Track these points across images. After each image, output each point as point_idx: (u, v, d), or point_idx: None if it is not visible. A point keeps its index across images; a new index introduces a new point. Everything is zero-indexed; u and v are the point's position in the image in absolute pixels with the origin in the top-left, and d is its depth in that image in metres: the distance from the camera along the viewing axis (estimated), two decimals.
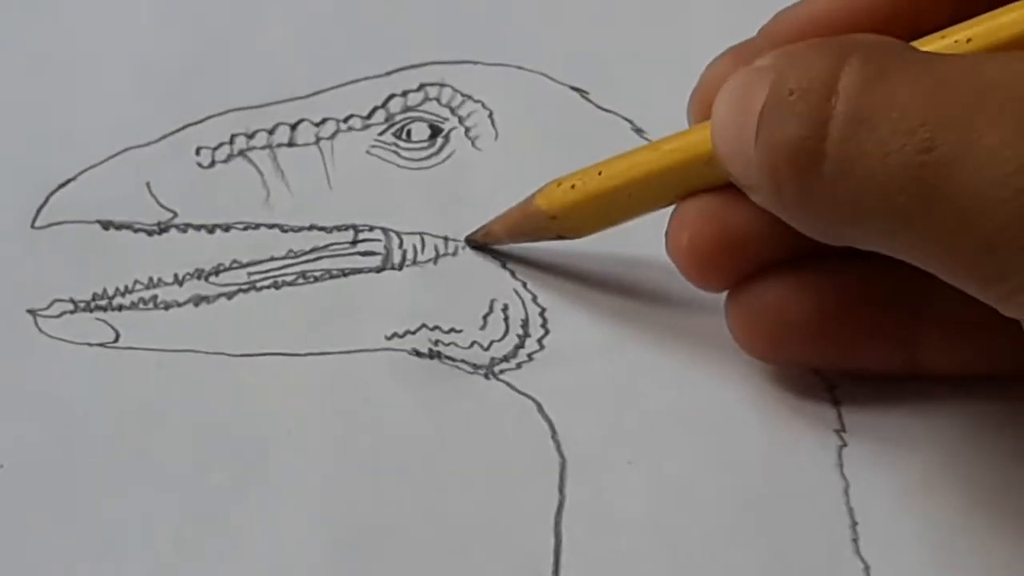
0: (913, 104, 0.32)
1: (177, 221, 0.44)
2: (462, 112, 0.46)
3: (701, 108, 0.40)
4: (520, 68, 0.48)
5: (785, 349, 0.39)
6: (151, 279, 0.43)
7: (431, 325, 0.42)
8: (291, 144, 0.46)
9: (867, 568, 0.37)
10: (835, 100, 0.32)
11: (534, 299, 0.42)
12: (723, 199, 0.38)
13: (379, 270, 0.43)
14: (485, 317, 0.42)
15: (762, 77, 0.34)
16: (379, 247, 0.43)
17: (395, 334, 0.42)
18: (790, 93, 0.33)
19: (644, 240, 0.41)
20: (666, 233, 0.39)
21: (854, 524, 0.38)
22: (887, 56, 0.33)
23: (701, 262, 0.38)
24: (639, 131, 0.46)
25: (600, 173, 0.40)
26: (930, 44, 0.35)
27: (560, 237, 0.41)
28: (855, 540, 0.37)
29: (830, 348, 0.39)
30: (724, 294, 0.39)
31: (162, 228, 0.44)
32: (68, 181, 0.45)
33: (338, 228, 0.44)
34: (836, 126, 0.32)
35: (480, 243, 0.43)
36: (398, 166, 0.45)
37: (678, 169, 0.38)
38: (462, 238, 0.43)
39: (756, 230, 0.38)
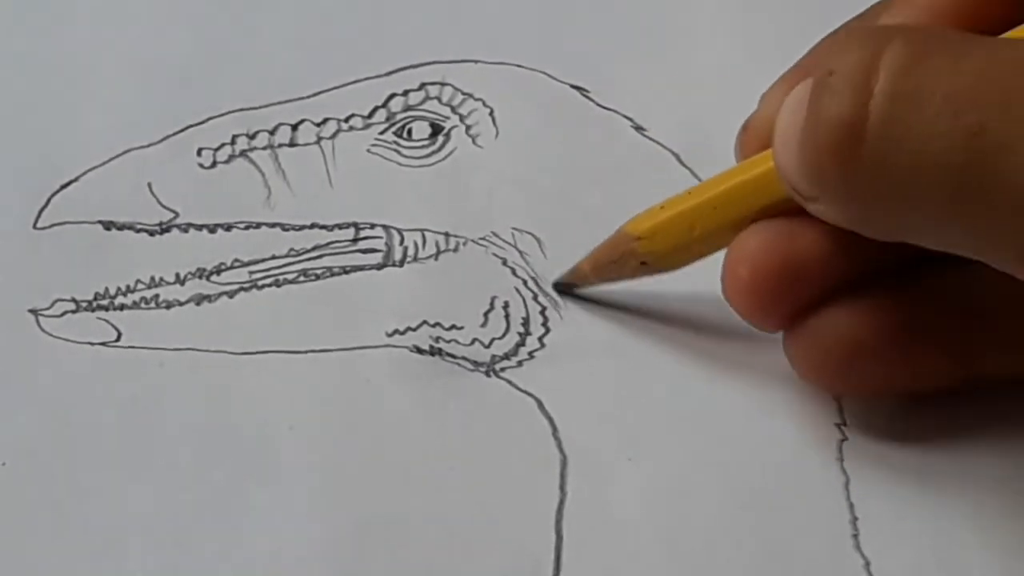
0: (959, 85, 0.30)
1: (179, 221, 0.44)
2: (463, 110, 0.46)
3: (755, 136, 0.39)
4: (520, 66, 0.48)
5: (853, 378, 0.38)
6: (153, 278, 0.43)
7: (432, 322, 0.42)
8: (292, 144, 0.46)
9: (867, 563, 0.37)
10: (875, 80, 0.31)
11: (535, 297, 0.42)
12: (781, 226, 0.37)
13: (380, 267, 0.43)
14: (486, 314, 0.42)
15: (806, 90, 0.33)
16: (380, 244, 0.43)
17: (396, 331, 0.42)
18: (830, 74, 0.32)
19: None
20: (721, 275, 0.38)
21: (854, 519, 0.38)
22: (930, 38, 0.32)
23: (763, 296, 0.37)
24: (639, 128, 0.46)
25: (689, 193, 0.39)
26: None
27: (646, 266, 0.40)
28: (855, 535, 0.37)
29: (896, 371, 0.38)
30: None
31: (164, 228, 0.44)
32: (70, 182, 0.45)
33: (339, 226, 0.44)
34: (877, 105, 0.31)
35: (567, 286, 0.42)
36: (399, 164, 0.45)
37: (755, 183, 0.37)
38: (462, 233, 0.44)
39: (816, 256, 0.37)
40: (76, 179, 0.45)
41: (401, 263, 0.43)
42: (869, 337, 0.37)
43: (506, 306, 0.42)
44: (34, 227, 0.44)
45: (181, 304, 0.43)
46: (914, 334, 0.37)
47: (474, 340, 0.41)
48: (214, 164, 0.45)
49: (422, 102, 0.47)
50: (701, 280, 0.40)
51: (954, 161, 0.30)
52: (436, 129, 0.46)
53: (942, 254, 0.34)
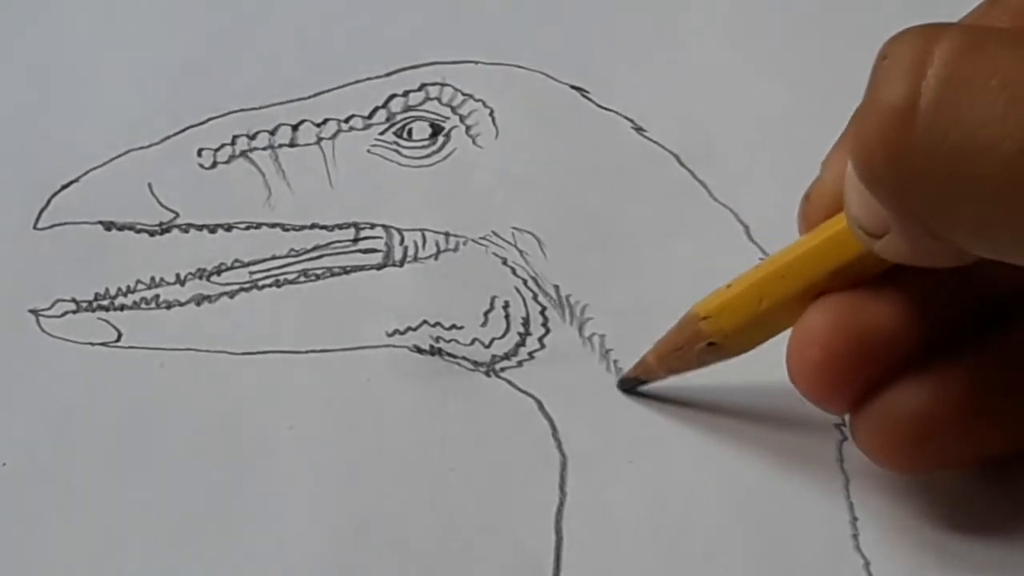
0: (1017, 71, 0.29)
1: (179, 221, 0.44)
2: (463, 111, 0.46)
3: (819, 205, 0.37)
4: (520, 67, 0.48)
5: (926, 455, 0.36)
6: (153, 279, 0.43)
7: (432, 322, 0.42)
8: (293, 144, 0.46)
9: (867, 563, 0.37)
10: (929, 64, 0.30)
11: (535, 297, 0.42)
12: (847, 301, 0.35)
13: (380, 267, 0.43)
14: (486, 314, 0.42)
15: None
16: (380, 244, 0.43)
17: (396, 331, 0.42)
18: (884, 58, 0.31)
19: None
20: (787, 359, 0.36)
21: (854, 519, 0.38)
22: (987, 29, 0.31)
23: (832, 378, 0.35)
24: (639, 129, 0.46)
25: (755, 269, 0.38)
26: None
27: (714, 348, 0.38)
28: (855, 535, 0.37)
29: (969, 443, 0.36)
30: None
31: (164, 228, 0.44)
32: (70, 182, 0.45)
33: (339, 226, 0.44)
34: (929, 88, 0.30)
35: (633, 383, 0.40)
36: (399, 165, 0.45)
37: (821, 250, 0.36)
38: (462, 233, 0.44)
39: (885, 330, 0.35)
40: (77, 180, 0.45)
41: (401, 263, 0.43)
42: (942, 413, 0.35)
43: (506, 306, 0.42)
44: (35, 227, 0.44)
45: (181, 304, 0.43)
46: (986, 403, 0.35)
47: (474, 340, 0.41)
48: (214, 164, 0.46)
49: (422, 102, 0.47)
50: (704, 283, 0.40)
51: (1008, 148, 0.29)
52: (436, 129, 0.46)
53: (1005, 312, 0.33)
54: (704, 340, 0.38)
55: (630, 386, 0.40)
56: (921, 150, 0.30)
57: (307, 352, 0.41)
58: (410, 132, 0.46)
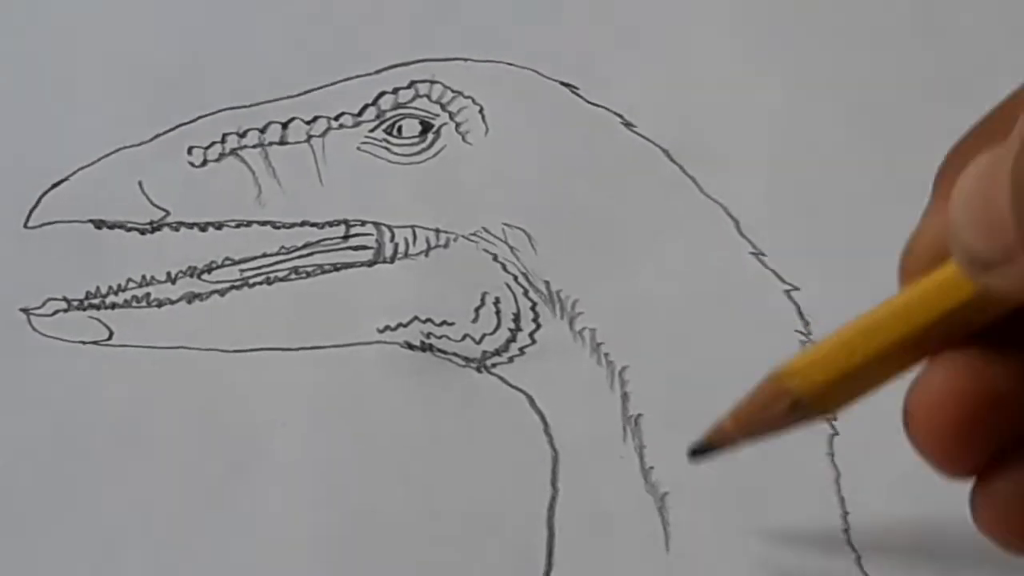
0: None
1: (169, 219, 0.44)
2: (452, 108, 0.46)
3: (920, 256, 0.34)
4: (510, 64, 0.48)
5: None
6: (144, 277, 0.43)
7: (423, 318, 0.42)
8: (283, 142, 0.46)
9: (859, 557, 0.37)
10: None
11: (525, 293, 0.42)
12: (967, 360, 0.31)
13: (371, 264, 0.43)
14: (477, 310, 0.42)
15: (1008, 148, 0.28)
16: (371, 241, 0.43)
17: (387, 327, 0.42)
18: None
19: None
20: (904, 421, 0.33)
21: (845, 513, 0.38)
22: None
23: (955, 442, 0.31)
24: (629, 125, 0.46)
25: (845, 325, 0.34)
26: None
27: (799, 409, 0.33)
28: (846, 529, 0.38)
29: None
30: None
31: (154, 227, 0.44)
32: (61, 181, 0.45)
33: (330, 224, 0.44)
34: None
35: (706, 450, 0.36)
36: (389, 162, 0.45)
37: (921, 300, 0.32)
38: (452, 229, 0.44)
39: (1011, 390, 0.31)
40: (67, 178, 0.45)
41: (392, 260, 0.43)
42: None
43: (497, 302, 0.42)
44: (25, 226, 0.44)
45: (173, 302, 0.43)
46: None
47: (465, 336, 0.42)
48: (205, 162, 0.45)
49: (412, 100, 0.47)
50: (695, 278, 0.40)
51: None
52: (426, 127, 0.46)
53: None
54: (790, 399, 0.33)
55: (702, 453, 0.35)
56: None
57: (298, 349, 0.41)
58: (400, 129, 0.46)
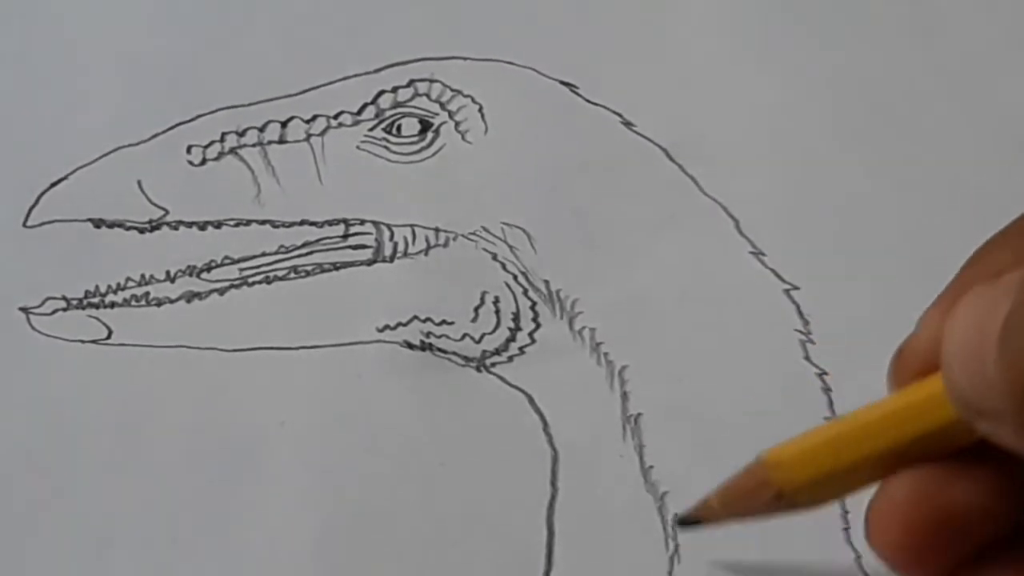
0: None
1: (169, 219, 0.44)
2: (452, 107, 0.46)
3: (912, 362, 0.34)
4: (509, 63, 0.48)
5: None
6: (143, 276, 0.43)
7: (423, 317, 0.42)
8: (282, 141, 0.46)
9: (859, 556, 0.37)
10: None
11: (525, 292, 0.42)
12: (933, 473, 0.32)
13: (370, 263, 0.43)
14: (476, 309, 0.42)
15: (1007, 290, 0.28)
16: (370, 240, 0.43)
17: (387, 326, 0.42)
18: None
19: None
20: (867, 530, 0.33)
21: (845, 513, 0.38)
22: None
23: (915, 552, 0.31)
24: (628, 124, 0.46)
25: (836, 421, 0.34)
26: None
27: (782, 499, 0.34)
28: (846, 529, 0.38)
29: None
30: None
31: (154, 226, 0.44)
32: (60, 180, 0.45)
33: (329, 223, 0.44)
34: None
35: (691, 521, 0.36)
36: (388, 161, 0.45)
37: (911, 411, 0.33)
38: (451, 228, 0.44)
39: (974, 505, 0.31)
40: (66, 177, 0.45)
41: (391, 259, 0.43)
42: None
43: (496, 301, 0.42)
44: (24, 225, 0.44)
45: (172, 301, 0.43)
46: None
47: (464, 335, 0.42)
48: (204, 162, 0.45)
49: (411, 99, 0.47)
50: (694, 277, 0.40)
51: None
52: (425, 126, 0.46)
53: None
54: (773, 489, 0.34)
55: (688, 525, 0.36)
56: None
57: (298, 348, 0.41)
58: (399, 128, 0.46)
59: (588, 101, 0.47)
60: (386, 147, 0.46)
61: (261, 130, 0.46)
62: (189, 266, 0.43)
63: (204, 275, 0.43)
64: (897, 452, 0.33)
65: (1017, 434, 0.28)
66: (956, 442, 0.32)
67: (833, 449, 0.33)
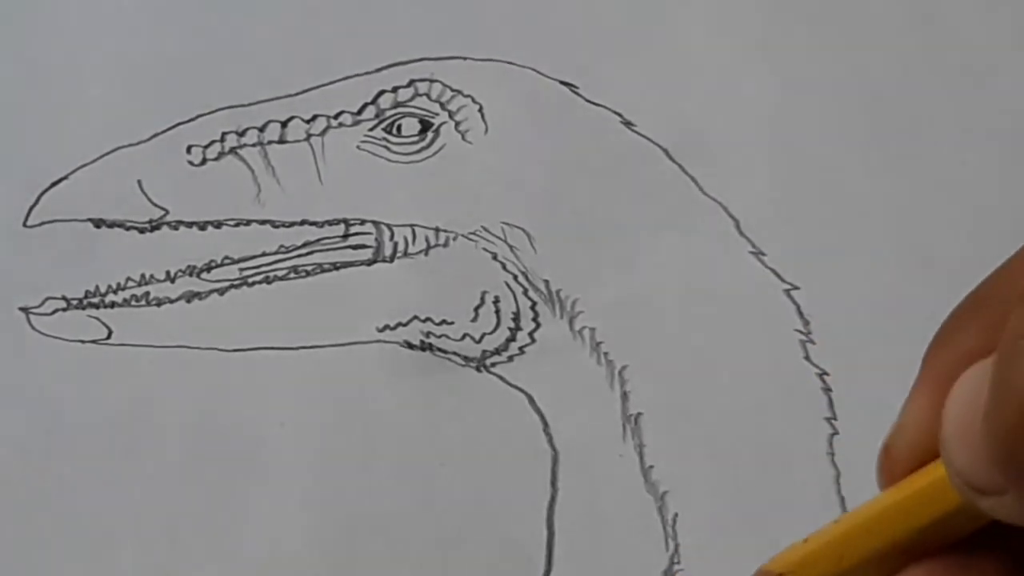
0: None
1: (169, 218, 0.44)
2: (452, 107, 0.46)
3: (901, 456, 0.32)
4: (509, 63, 0.48)
5: None
6: (143, 276, 0.43)
7: (423, 317, 0.42)
8: (282, 141, 0.46)
9: None
10: None
11: (525, 292, 0.42)
12: (944, 567, 0.30)
13: (370, 263, 0.43)
14: (476, 309, 0.42)
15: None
16: (370, 240, 0.43)
17: (387, 326, 0.42)
18: (1020, 337, 0.26)
19: None
20: None
21: (845, 512, 0.38)
22: None
23: None
24: (628, 124, 0.46)
25: (835, 523, 0.32)
26: None
27: None
28: None
29: None
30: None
31: (154, 226, 0.44)
32: (60, 180, 0.45)
33: (329, 223, 0.44)
34: None
35: None
36: (388, 160, 0.45)
37: (909, 504, 0.31)
38: (451, 228, 0.44)
39: None
40: (66, 177, 0.45)
41: (391, 259, 0.43)
42: None
43: (496, 301, 0.42)
44: (24, 225, 0.44)
45: (172, 301, 0.43)
46: None
47: (464, 335, 0.42)
48: (204, 161, 0.45)
49: (411, 99, 0.47)
50: (694, 277, 0.40)
51: None
52: (425, 125, 0.46)
53: None
54: None
55: None
56: None
57: (298, 348, 0.41)
58: (399, 128, 0.46)
59: (588, 101, 0.47)
60: (386, 147, 0.46)
61: (261, 130, 0.46)
62: (189, 266, 0.43)
63: (204, 275, 0.43)
64: (901, 547, 0.31)
65: (1018, 503, 0.27)
66: (964, 527, 0.31)
67: (836, 552, 0.32)
